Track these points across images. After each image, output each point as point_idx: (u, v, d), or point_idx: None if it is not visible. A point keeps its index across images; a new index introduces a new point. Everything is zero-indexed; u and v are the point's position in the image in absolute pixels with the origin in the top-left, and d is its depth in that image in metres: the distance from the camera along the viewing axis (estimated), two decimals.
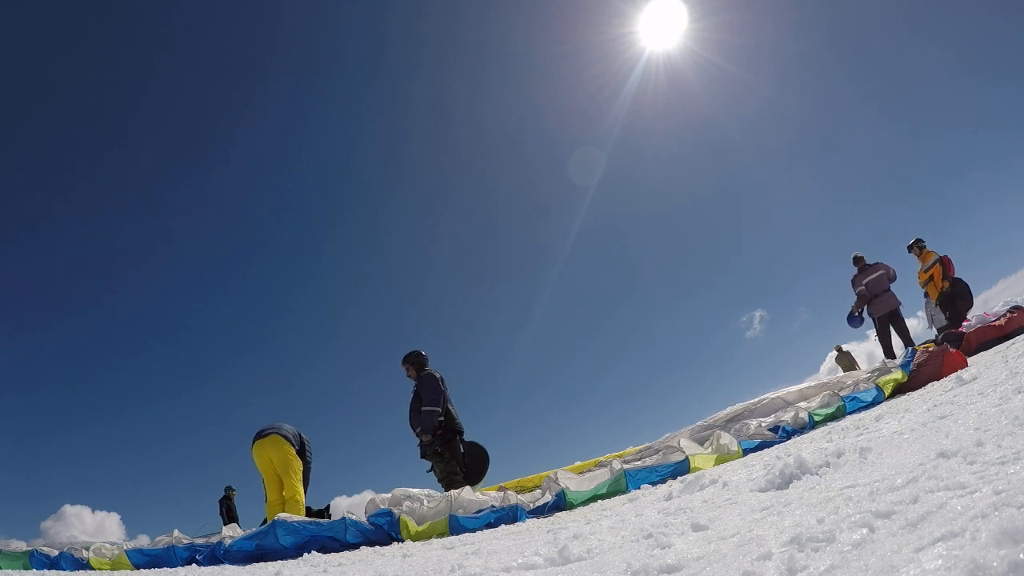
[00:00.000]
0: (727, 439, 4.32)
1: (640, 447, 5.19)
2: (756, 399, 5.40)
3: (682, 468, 4.01)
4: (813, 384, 5.51)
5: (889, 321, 8.39)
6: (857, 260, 8.69)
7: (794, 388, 5.49)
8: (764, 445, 4.34)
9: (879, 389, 4.91)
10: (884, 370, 5.29)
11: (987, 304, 9.77)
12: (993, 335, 7.10)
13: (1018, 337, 6.67)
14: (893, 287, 8.43)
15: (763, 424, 4.66)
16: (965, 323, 7.99)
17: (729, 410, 5.27)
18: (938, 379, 4.83)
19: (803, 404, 4.99)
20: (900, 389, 5.08)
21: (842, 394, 4.94)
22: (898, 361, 5.48)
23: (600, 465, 4.75)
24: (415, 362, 5.84)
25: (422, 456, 5.62)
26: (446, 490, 4.80)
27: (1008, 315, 7.37)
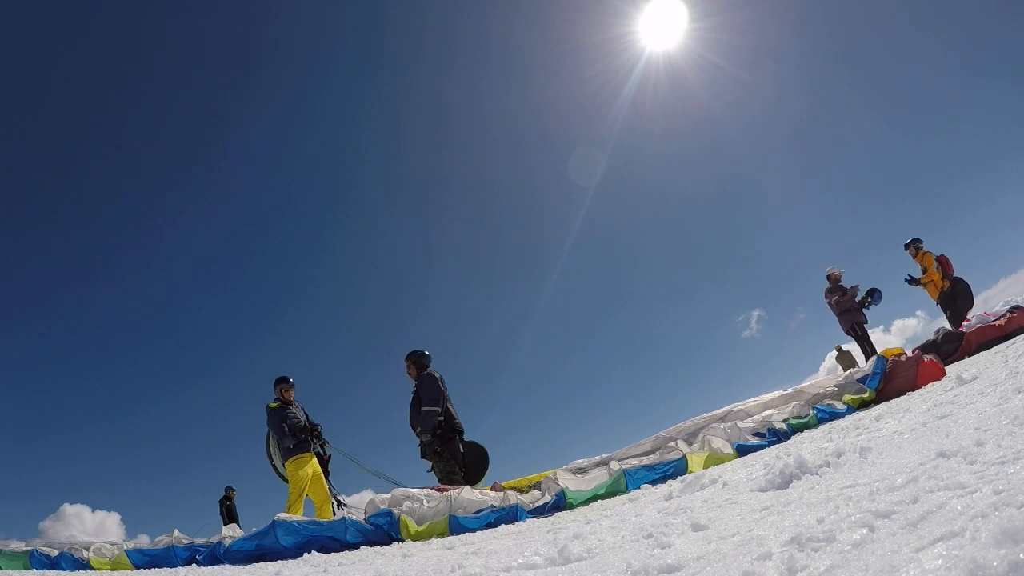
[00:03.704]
0: (719, 443, 4.31)
1: (597, 457, 4.88)
2: (720, 410, 5.27)
3: (680, 467, 4.01)
4: (777, 395, 5.41)
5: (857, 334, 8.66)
6: (829, 277, 8.99)
7: (758, 400, 5.38)
8: (748, 448, 4.30)
9: (848, 406, 4.85)
10: (851, 386, 5.17)
11: (987, 304, 9.77)
12: (993, 335, 7.08)
13: (1018, 337, 6.65)
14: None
15: (743, 427, 4.59)
16: (965, 323, 7.98)
17: (690, 422, 5.15)
18: (912, 390, 4.69)
19: (769, 412, 4.89)
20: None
21: (812, 405, 4.86)
22: (868, 369, 5.32)
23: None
24: (417, 361, 5.85)
25: (422, 456, 5.63)
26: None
27: (1008, 315, 7.35)
